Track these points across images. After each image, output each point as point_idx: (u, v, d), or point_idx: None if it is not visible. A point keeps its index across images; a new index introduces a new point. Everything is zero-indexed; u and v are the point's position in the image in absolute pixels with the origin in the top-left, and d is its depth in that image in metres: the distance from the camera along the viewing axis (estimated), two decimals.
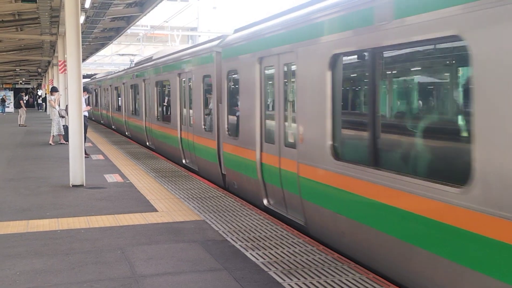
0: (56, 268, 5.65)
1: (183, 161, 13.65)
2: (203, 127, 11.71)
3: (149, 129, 17.93)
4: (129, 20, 25.10)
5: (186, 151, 13.38)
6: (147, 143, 18.44)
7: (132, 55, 38.51)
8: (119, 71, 28.68)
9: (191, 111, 12.79)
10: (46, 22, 22.05)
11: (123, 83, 23.41)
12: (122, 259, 5.95)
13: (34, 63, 47.12)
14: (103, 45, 35.58)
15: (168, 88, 15.40)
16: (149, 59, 20.21)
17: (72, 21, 10.75)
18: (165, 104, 16.12)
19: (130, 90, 21.69)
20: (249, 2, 58.98)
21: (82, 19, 18.23)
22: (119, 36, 30.33)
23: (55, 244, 6.56)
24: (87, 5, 16.90)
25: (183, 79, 13.54)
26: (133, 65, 26.75)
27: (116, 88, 25.92)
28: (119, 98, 24.98)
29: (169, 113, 15.17)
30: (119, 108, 25.08)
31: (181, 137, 13.73)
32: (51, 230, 7.22)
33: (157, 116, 16.75)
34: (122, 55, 43.21)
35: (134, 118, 21.01)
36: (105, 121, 31.03)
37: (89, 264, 5.78)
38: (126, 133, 23.10)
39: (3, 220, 7.74)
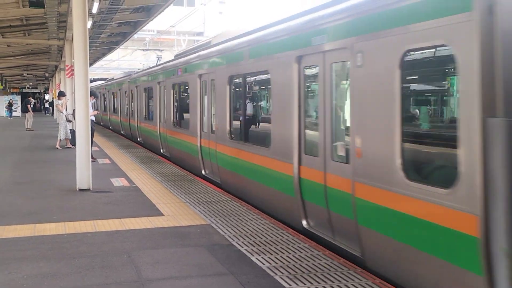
0: (62, 272, 5.67)
1: (304, 222, 7.42)
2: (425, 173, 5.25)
3: (211, 153, 11.50)
4: (135, 25, 25.26)
5: (314, 205, 7.14)
6: (204, 172, 12.31)
7: (159, 50, 33.04)
8: (152, 67, 21.62)
9: (338, 132, 6.61)
10: (54, 27, 22.21)
11: (159, 83, 17.51)
12: (128, 263, 5.97)
13: (42, 68, 47.42)
14: (110, 50, 35.82)
15: (259, 86, 9.78)
16: (205, 45, 13.64)
17: (80, 26, 10.83)
18: (249, 114, 9.83)
19: (171, 91, 15.77)
20: (255, 7, 59.11)
21: (89, 24, 18.33)
22: (126, 41, 30.51)
23: (62, 248, 6.59)
24: (94, 10, 17.03)
25: (307, 68, 7.29)
26: (161, 61, 23.69)
27: (146, 90, 19.99)
28: (151, 104, 19.20)
29: (259, 131, 9.49)
30: (150, 117, 19.20)
31: (299, 177, 7.42)
32: (58, 234, 7.25)
33: (230, 133, 10.36)
34: (146, 50, 39.09)
35: (178, 132, 14.80)
36: (126, 132, 24.82)
37: (95, 268, 5.80)
38: (162, 150, 17.12)
39: (10, 224, 7.78)
